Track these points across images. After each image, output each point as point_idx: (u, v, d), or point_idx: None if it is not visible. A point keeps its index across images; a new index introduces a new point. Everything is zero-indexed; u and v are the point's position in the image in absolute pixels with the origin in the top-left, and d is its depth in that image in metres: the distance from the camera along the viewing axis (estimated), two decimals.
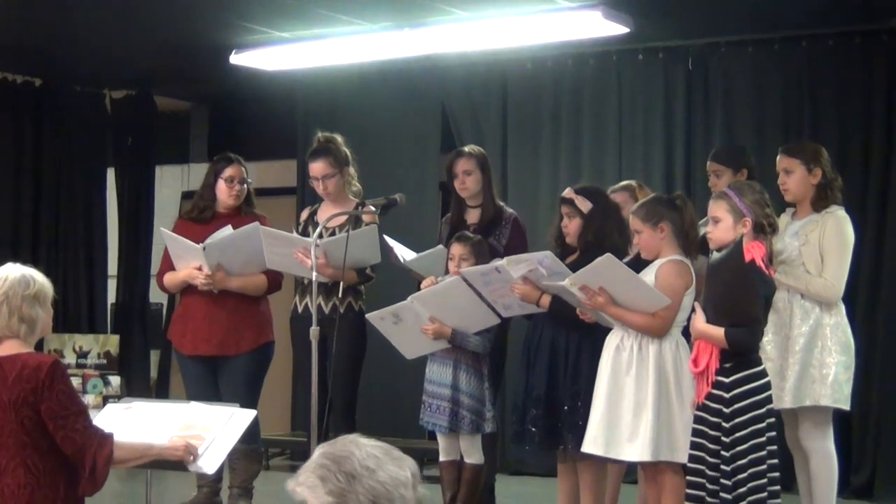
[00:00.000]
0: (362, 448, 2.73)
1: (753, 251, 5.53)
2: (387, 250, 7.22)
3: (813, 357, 6.32)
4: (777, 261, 6.36)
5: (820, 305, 6.36)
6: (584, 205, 6.53)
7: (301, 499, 2.72)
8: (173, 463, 5.19)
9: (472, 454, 6.85)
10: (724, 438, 5.50)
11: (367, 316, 6.96)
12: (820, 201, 6.46)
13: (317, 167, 7.23)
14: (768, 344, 6.31)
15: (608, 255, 6.01)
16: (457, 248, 6.86)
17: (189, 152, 11.82)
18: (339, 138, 7.31)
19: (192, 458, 5.06)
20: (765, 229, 5.65)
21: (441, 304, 6.72)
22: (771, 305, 5.81)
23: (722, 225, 5.70)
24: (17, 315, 4.73)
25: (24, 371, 4.65)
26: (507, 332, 7.15)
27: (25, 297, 4.75)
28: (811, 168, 6.47)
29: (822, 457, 6.36)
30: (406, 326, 6.79)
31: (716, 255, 5.79)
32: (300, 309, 7.25)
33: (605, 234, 6.47)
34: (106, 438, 4.80)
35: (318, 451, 2.74)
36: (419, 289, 7.03)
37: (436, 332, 6.73)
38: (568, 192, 6.65)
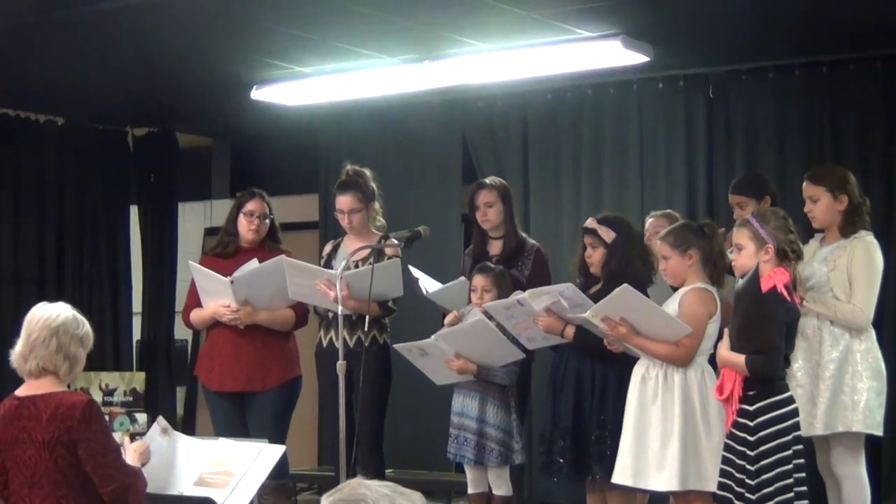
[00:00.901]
0: (372, 489, 2.74)
1: (776, 278, 5.52)
2: (412, 281, 7.24)
3: (844, 383, 6.30)
4: (806, 287, 6.35)
5: (850, 331, 6.34)
6: (608, 234, 6.54)
7: None
8: (204, 500, 5.20)
9: (501, 486, 6.84)
10: (749, 467, 5.48)
11: (394, 346, 6.97)
12: (848, 227, 6.45)
13: (344, 201, 7.25)
14: (799, 371, 6.30)
15: (625, 285, 6.02)
16: (479, 280, 6.88)
17: (211, 188, 11.84)
18: (368, 173, 7.33)
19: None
20: (788, 255, 5.64)
21: (465, 342, 6.72)
22: (795, 332, 5.79)
23: (745, 252, 5.70)
24: (64, 352, 4.80)
25: (59, 410, 4.69)
26: (531, 363, 7.15)
27: (74, 336, 4.85)
28: (836, 195, 6.46)
29: (853, 483, 6.33)
30: (432, 359, 6.81)
31: (739, 283, 5.79)
32: (325, 343, 7.25)
33: (628, 264, 6.47)
34: (139, 474, 4.85)
35: (328, 500, 2.73)
36: (444, 319, 7.06)
37: (460, 368, 6.74)
38: (590, 222, 6.66)
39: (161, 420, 5.72)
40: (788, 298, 5.55)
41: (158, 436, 5.59)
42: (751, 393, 5.54)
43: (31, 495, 4.74)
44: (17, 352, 4.90)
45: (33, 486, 4.73)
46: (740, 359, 5.54)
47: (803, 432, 6.22)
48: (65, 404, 4.73)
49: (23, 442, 4.75)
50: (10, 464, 4.81)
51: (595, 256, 6.60)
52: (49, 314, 4.88)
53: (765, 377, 5.53)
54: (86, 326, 4.95)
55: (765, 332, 5.53)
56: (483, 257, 7.25)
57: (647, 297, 6.24)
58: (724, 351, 5.65)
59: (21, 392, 4.87)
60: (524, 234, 7.50)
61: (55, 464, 4.71)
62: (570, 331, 6.51)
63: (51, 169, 10.42)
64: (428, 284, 7.34)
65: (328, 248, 7.55)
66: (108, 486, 4.73)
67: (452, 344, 6.74)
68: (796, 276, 5.71)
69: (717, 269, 6.07)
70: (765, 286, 5.53)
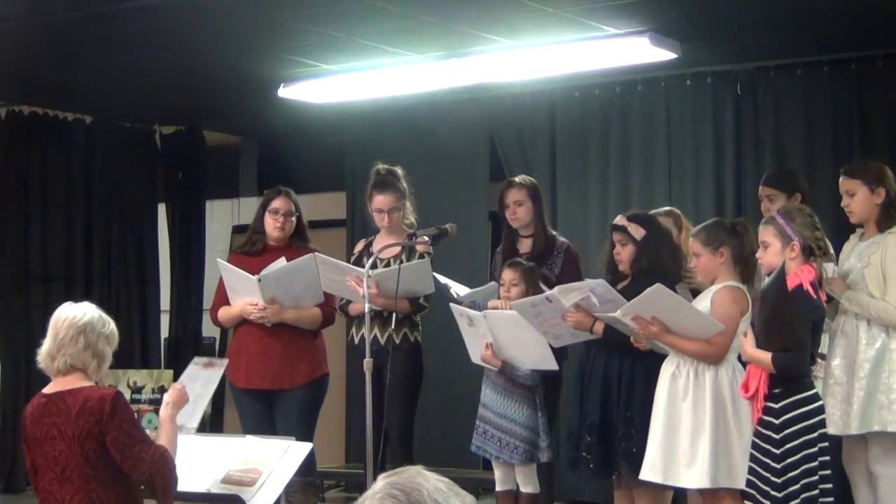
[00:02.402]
0: (430, 481, 2.72)
1: (802, 275, 5.50)
2: (443, 288, 7.24)
3: (880, 382, 6.25)
4: (846, 283, 6.32)
5: (886, 329, 6.29)
6: (638, 232, 6.52)
7: None
8: (231, 497, 5.21)
9: (528, 484, 6.83)
10: (774, 465, 5.45)
11: (450, 305, 6.94)
12: (885, 221, 6.40)
13: (385, 200, 7.26)
14: (837, 368, 6.27)
15: (658, 284, 6.00)
16: (507, 274, 6.89)
17: (239, 186, 11.87)
18: (399, 171, 7.34)
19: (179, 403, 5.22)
20: (814, 252, 5.61)
21: (508, 329, 6.69)
22: (822, 329, 5.76)
23: (771, 250, 5.68)
24: (92, 349, 4.86)
25: (87, 404, 4.73)
26: (563, 360, 7.13)
27: (101, 334, 4.92)
28: (874, 188, 6.41)
29: (890, 483, 6.28)
30: (475, 332, 6.80)
31: (765, 281, 5.77)
32: (357, 340, 7.26)
33: (659, 261, 6.46)
34: (167, 458, 4.87)
35: (384, 481, 2.72)
36: None
37: (487, 358, 6.74)
38: (620, 220, 6.64)
39: (200, 358, 5.76)
40: (814, 296, 5.52)
41: (199, 370, 5.63)
42: (776, 391, 5.51)
43: (62, 491, 4.76)
44: (44, 351, 4.93)
45: (64, 481, 4.76)
46: (766, 356, 5.51)
47: (840, 431, 6.22)
48: (93, 398, 4.78)
49: (52, 438, 4.79)
50: (41, 461, 4.85)
51: (624, 254, 6.59)
52: (75, 313, 4.94)
53: (791, 375, 5.50)
54: (111, 325, 5.02)
55: (791, 329, 5.50)
56: (513, 255, 7.25)
57: (676, 294, 6.23)
58: (750, 348, 5.62)
59: (48, 390, 4.91)
60: (554, 232, 7.48)
61: (85, 458, 4.74)
62: (599, 327, 6.50)
63: (79, 167, 10.46)
64: (458, 289, 7.34)
65: (360, 245, 7.56)
66: (137, 475, 4.80)
67: (496, 326, 6.72)
68: (822, 273, 5.68)
69: (748, 267, 6.04)
70: (791, 284, 5.50)
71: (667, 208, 7.40)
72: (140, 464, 4.79)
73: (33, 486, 4.99)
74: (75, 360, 4.86)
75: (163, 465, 4.88)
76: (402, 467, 2.74)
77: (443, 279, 7.31)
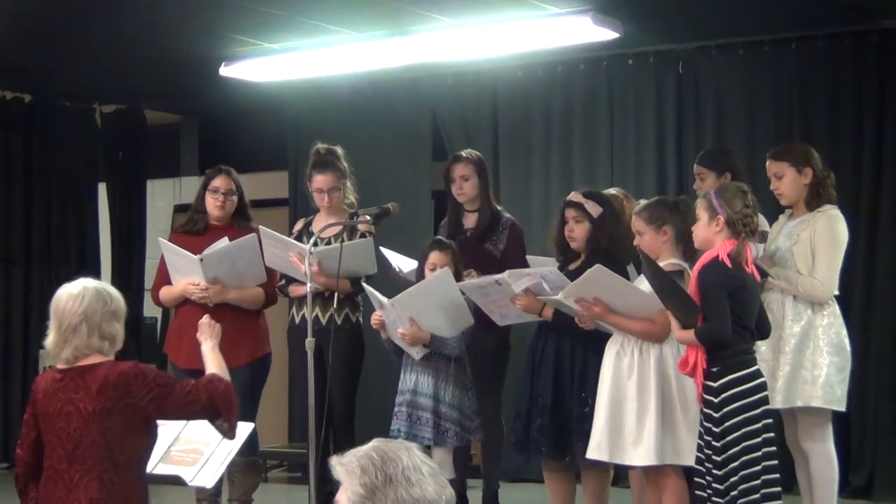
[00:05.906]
0: (413, 458, 2.76)
1: (719, 248, 5.51)
2: (386, 265, 7.21)
3: (804, 358, 6.29)
4: (774, 261, 6.36)
5: (812, 306, 6.34)
6: (596, 209, 6.46)
7: (336, 476, 2.79)
8: (171, 477, 5.18)
9: (445, 469, 6.71)
10: (714, 443, 5.47)
11: (363, 284, 6.87)
12: (813, 200, 6.45)
13: (325, 179, 7.22)
14: (763, 345, 6.29)
15: (598, 266, 5.98)
16: (437, 257, 6.77)
17: (180, 165, 11.80)
18: (339, 150, 7.31)
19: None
20: (737, 227, 5.59)
21: (420, 303, 6.63)
22: (752, 300, 5.69)
23: (699, 223, 5.69)
24: (98, 333, 4.64)
25: (108, 380, 4.56)
26: (509, 336, 7.10)
27: (105, 314, 4.67)
28: (801, 169, 6.46)
29: (821, 458, 6.33)
30: (389, 321, 6.72)
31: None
32: (297, 320, 7.23)
33: (618, 240, 6.40)
34: (213, 379, 4.80)
35: (374, 443, 2.80)
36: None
37: (413, 337, 6.62)
38: (576, 196, 6.56)
39: None
40: (729, 264, 5.49)
41: None
42: (714, 369, 5.51)
43: (71, 470, 4.57)
44: (50, 341, 4.68)
45: (74, 460, 4.57)
46: (690, 333, 5.52)
47: None
48: (113, 374, 4.55)
49: (67, 414, 4.57)
50: (50, 437, 4.63)
51: (578, 231, 6.48)
52: (72, 298, 4.67)
53: (716, 344, 5.45)
54: (114, 299, 4.77)
55: (705, 300, 5.45)
56: (458, 231, 7.24)
57: (627, 274, 6.23)
58: (678, 332, 5.63)
59: (63, 365, 4.67)
60: (500, 208, 7.46)
61: (103, 436, 4.53)
62: (548, 311, 6.45)
63: (18, 146, 10.39)
64: (402, 263, 7.31)
65: (299, 225, 7.52)
66: (197, 407, 4.66)
67: (407, 307, 6.58)
68: (743, 249, 5.61)
69: (690, 244, 6.04)
70: (708, 257, 5.52)
71: (613, 190, 7.35)
72: (193, 395, 4.63)
73: (21, 462, 4.75)
74: (83, 349, 4.62)
75: (215, 384, 4.71)
76: (399, 440, 2.79)
77: (387, 253, 7.29)
